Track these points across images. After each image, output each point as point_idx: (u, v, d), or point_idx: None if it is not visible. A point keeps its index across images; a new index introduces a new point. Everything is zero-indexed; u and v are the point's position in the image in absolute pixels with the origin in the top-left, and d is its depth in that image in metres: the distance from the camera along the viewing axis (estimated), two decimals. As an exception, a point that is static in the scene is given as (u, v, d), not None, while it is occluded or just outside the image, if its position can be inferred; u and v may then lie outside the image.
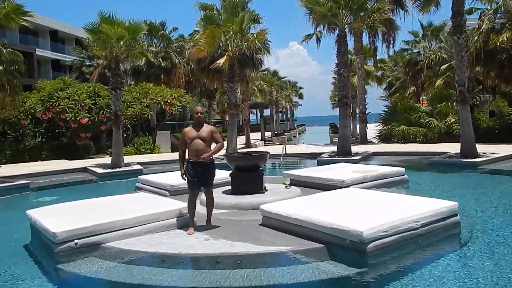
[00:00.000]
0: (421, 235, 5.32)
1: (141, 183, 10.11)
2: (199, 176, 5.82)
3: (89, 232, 5.46)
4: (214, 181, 9.13)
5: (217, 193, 7.92)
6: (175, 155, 19.28)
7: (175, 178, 9.52)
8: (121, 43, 14.12)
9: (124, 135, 23.46)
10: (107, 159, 17.22)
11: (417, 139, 20.61)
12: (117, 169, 14.02)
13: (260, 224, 6.12)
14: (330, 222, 5.14)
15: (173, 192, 8.78)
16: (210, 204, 6.10)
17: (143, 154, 20.77)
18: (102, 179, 13.21)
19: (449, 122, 20.40)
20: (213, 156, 5.88)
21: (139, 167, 14.48)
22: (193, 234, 5.80)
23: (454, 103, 20.41)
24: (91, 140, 22.14)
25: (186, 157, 5.99)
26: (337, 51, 16.16)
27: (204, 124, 5.94)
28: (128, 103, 19.95)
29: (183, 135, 5.93)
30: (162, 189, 9.09)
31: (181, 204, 6.51)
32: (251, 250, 5.11)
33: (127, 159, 16.39)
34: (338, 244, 5.02)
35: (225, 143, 17.17)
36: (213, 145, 5.99)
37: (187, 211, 6.04)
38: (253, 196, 7.44)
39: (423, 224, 5.35)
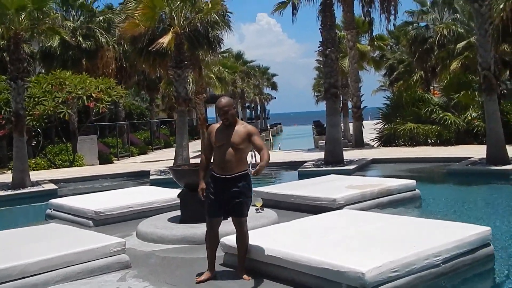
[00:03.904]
0: (444, 274, 5.24)
1: (54, 210, 9.79)
2: (225, 198, 5.40)
3: (-27, 285, 5.14)
4: (157, 204, 9.06)
5: (161, 221, 7.71)
6: (105, 169, 18.90)
7: (103, 201, 9.30)
8: (23, 15, 13.77)
9: (33, 143, 22.90)
10: (8, 176, 16.69)
11: (429, 141, 20.87)
12: (21, 190, 13.65)
13: (221, 264, 5.92)
14: (318, 260, 5.00)
15: (99, 221, 8.52)
16: (241, 242, 5.55)
17: (60, 168, 20.33)
18: (-1, 205, 12.74)
19: (470, 118, 20.77)
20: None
21: (52, 186, 14.15)
22: (128, 282, 5.55)
23: (476, 93, 20.83)
24: (-15, 151, 21.44)
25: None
26: (321, 25, 16.16)
27: (239, 122, 5.53)
28: (37, 99, 19.44)
29: (208, 134, 5.54)
30: (84, 217, 8.78)
31: (109, 239, 6.25)
32: (208, 303, 4.92)
33: (36, 175, 16.00)
34: (330, 291, 4.89)
35: (174, 150, 16.86)
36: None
37: (206, 248, 5.59)
38: (211, 225, 7.17)
39: (445, 259, 5.27)
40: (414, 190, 9.60)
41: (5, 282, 5.30)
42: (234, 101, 5.67)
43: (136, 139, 33.14)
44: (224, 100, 5.45)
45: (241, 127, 5.41)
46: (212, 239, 5.56)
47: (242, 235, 5.51)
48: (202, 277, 5.47)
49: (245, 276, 5.42)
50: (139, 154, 29.29)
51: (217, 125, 5.55)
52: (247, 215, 5.51)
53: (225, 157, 5.36)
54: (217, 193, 5.42)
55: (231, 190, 5.37)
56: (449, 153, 16.88)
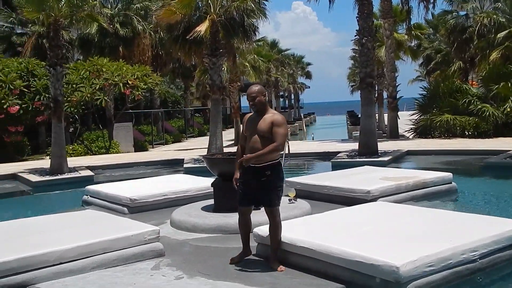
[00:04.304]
0: (481, 270, 5.13)
1: (90, 196, 9.91)
2: (255, 187, 5.43)
3: (11, 269, 5.19)
4: (191, 193, 9.12)
5: (195, 210, 7.75)
6: (140, 156, 19.11)
7: (137, 188, 9.40)
8: (62, 2, 13.83)
9: (71, 129, 23.28)
10: (46, 162, 16.99)
11: (466, 133, 20.49)
12: (58, 176, 13.77)
13: (254, 255, 5.90)
14: (351, 253, 4.96)
15: (134, 209, 8.58)
16: (274, 231, 5.52)
17: (96, 155, 20.61)
18: (37, 190, 12.95)
19: (509, 110, 20.30)
20: (274, 158, 5.40)
21: (88, 173, 14.28)
22: (161, 270, 5.59)
23: (517, 84, 20.36)
24: (25, 136, 21.85)
25: None
26: (358, 13, 15.96)
27: (269, 110, 5.52)
28: (74, 85, 19.68)
29: (242, 123, 5.75)
30: (119, 204, 8.88)
31: (143, 227, 6.28)
32: (240, 293, 4.92)
33: (73, 161, 16.18)
34: (363, 285, 4.83)
35: (207, 139, 16.93)
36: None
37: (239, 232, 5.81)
38: (244, 215, 7.20)
39: (482, 255, 5.16)
40: (451, 183, 9.47)
41: (43, 267, 5.36)
42: (268, 90, 5.70)
43: (170, 127, 33.44)
44: (254, 87, 5.50)
45: (269, 116, 5.41)
46: (243, 225, 5.69)
47: (274, 225, 5.50)
48: (236, 258, 5.63)
49: (278, 266, 5.42)
50: (173, 142, 29.59)
51: (250, 114, 5.61)
52: (279, 205, 5.50)
53: (253, 146, 5.38)
54: (247, 182, 5.45)
55: (260, 179, 5.38)
56: (487, 145, 16.57)
